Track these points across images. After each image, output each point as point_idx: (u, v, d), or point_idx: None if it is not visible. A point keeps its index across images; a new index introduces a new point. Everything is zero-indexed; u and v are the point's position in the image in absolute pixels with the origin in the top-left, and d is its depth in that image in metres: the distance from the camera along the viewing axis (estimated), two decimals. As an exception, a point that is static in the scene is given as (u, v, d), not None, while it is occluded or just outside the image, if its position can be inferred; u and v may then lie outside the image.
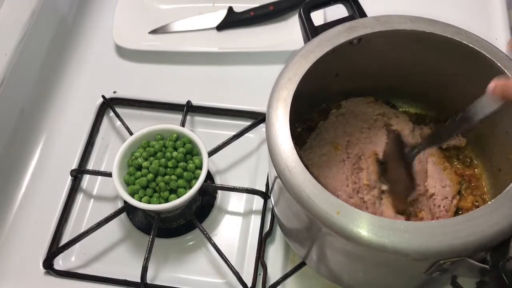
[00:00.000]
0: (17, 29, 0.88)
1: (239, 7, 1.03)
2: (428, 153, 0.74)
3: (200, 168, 0.77)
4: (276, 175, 0.57)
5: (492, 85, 0.53)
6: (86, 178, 0.87)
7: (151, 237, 0.76)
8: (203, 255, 0.80)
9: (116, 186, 0.75)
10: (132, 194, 0.75)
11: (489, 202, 0.52)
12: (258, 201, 0.83)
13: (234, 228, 0.82)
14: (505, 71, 0.61)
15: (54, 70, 0.98)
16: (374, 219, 0.52)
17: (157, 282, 0.77)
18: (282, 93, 0.61)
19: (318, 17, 0.78)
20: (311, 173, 0.55)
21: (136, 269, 0.75)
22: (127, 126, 0.87)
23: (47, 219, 0.82)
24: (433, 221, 0.51)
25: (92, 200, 0.86)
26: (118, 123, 0.91)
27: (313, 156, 0.74)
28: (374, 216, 0.52)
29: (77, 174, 0.86)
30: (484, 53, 0.62)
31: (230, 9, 1.03)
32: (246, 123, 0.87)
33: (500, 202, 0.52)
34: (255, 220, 0.82)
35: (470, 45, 0.63)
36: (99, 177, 0.87)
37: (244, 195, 0.84)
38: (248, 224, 0.82)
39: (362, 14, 0.71)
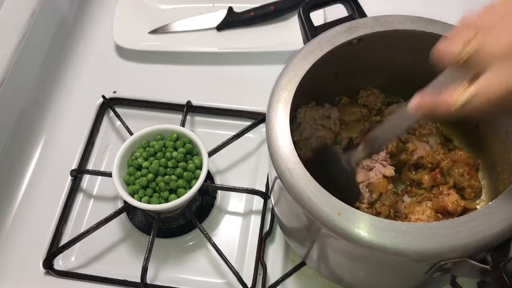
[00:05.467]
0: (17, 29, 0.88)
1: (239, 7, 1.03)
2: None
3: (200, 168, 0.77)
4: (277, 175, 0.57)
5: (415, 103, 0.50)
6: (86, 178, 0.87)
7: (151, 237, 0.76)
8: (203, 255, 0.80)
9: (116, 186, 0.75)
10: (132, 194, 0.75)
11: (489, 203, 0.53)
12: (258, 201, 0.83)
13: (234, 228, 0.82)
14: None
15: (54, 70, 0.98)
16: (375, 220, 0.52)
17: (157, 282, 0.77)
18: (282, 94, 0.61)
19: (317, 17, 0.78)
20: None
21: (136, 269, 0.75)
22: (127, 126, 0.87)
23: (47, 219, 0.82)
24: (434, 222, 0.51)
25: (92, 200, 0.86)
26: (118, 123, 0.91)
27: None
28: (375, 218, 0.52)
29: (77, 174, 0.86)
30: (484, 53, 0.62)
31: (230, 9, 1.03)
32: (246, 123, 0.87)
33: (500, 203, 0.52)
34: (255, 220, 0.82)
35: (471, 46, 0.63)
36: (99, 177, 0.87)
37: (244, 195, 0.84)
38: (248, 224, 0.82)
39: (362, 14, 0.71)
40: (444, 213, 0.68)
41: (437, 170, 0.72)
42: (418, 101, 0.50)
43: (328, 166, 0.69)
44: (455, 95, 0.46)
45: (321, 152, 0.71)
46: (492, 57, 0.44)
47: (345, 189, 0.66)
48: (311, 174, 0.55)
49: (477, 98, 0.45)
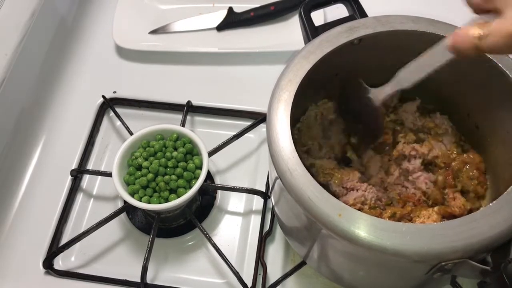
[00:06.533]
0: (17, 29, 0.88)
1: (239, 8, 1.03)
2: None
3: (200, 168, 0.77)
4: (277, 176, 0.57)
5: (451, 40, 0.53)
6: (86, 178, 0.87)
7: (151, 237, 0.76)
8: (203, 255, 0.80)
9: (116, 186, 0.75)
10: (132, 194, 0.75)
11: (490, 204, 0.53)
12: (258, 201, 0.83)
13: (234, 228, 0.82)
14: (506, 71, 0.61)
15: (54, 70, 0.98)
16: (375, 221, 0.52)
17: (157, 282, 0.77)
18: (283, 95, 0.61)
19: (318, 17, 0.79)
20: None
21: (136, 269, 0.75)
22: (127, 126, 0.87)
23: (47, 219, 0.82)
24: (435, 223, 0.51)
25: (92, 200, 0.86)
26: (118, 123, 0.91)
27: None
28: (376, 219, 0.52)
29: (77, 174, 0.86)
30: (485, 53, 0.62)
31: (230, 9, 1.03)
32: (246, 123, 0.87)
33: (501, 204, 0.52)
34: (255, 220, 0.82)
35: (471, 46, 0.63)
36: (99, 177, 0.87)
37: (244, 195, 0.85)
38: (248, 224, 0.82)
39: (363, 14, 0.71)
40: (450, 218, 0.68)
41: (449, 172, 0.72)
42: (450, 36, 0.54)
43: (354, 98, 0.71)
44: (473, 27, 0.51)
45: (347, 85, 0.73)
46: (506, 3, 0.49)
47: (368, 124, 0.71)
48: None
49: (491, 36, 0.49)
